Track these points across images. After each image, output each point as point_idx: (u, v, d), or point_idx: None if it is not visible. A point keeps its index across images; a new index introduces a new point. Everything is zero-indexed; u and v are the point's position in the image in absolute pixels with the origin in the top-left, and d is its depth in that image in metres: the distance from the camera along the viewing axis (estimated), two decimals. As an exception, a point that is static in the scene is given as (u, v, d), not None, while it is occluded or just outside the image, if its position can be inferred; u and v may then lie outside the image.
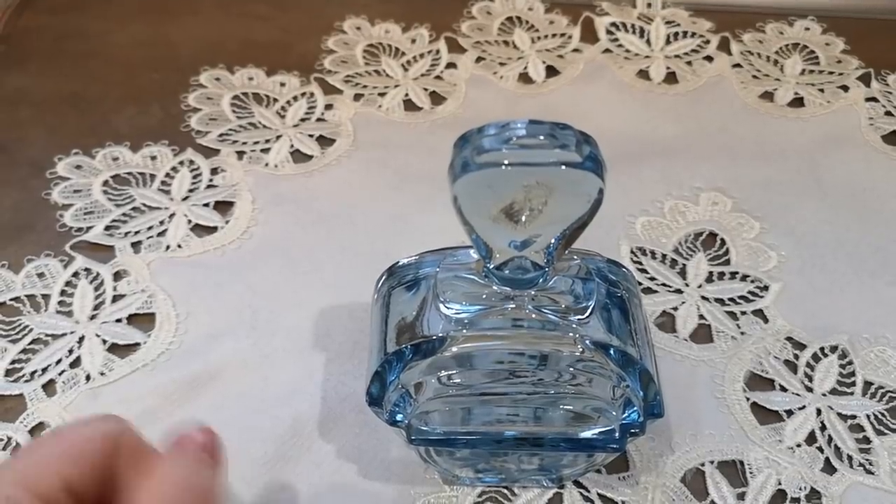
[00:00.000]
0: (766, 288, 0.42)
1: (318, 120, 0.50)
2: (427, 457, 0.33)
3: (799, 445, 0.36)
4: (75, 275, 0.41)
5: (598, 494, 0.34)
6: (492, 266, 0.27)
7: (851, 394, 0.38)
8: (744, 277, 0.42)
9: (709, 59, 0.55)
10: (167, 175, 0.46)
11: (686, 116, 0.51)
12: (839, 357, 0.39)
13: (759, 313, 0.41)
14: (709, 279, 0.42)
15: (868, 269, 0.43)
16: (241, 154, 0.47)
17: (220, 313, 0.40)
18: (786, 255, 0.43)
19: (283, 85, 0.52)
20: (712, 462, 0.35)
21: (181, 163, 0.47)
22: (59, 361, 0.38)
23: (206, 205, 0.45)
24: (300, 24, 0.56)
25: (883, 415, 0.37)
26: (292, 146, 0.48)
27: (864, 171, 0.48)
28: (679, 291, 0.42)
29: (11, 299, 0.40)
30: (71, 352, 0.38)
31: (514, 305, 0.28)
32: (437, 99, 0.51)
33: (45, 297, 0.40)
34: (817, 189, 0.47)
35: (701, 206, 0.46)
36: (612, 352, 0.28)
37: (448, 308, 0.28)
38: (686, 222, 0.45)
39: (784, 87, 0.53)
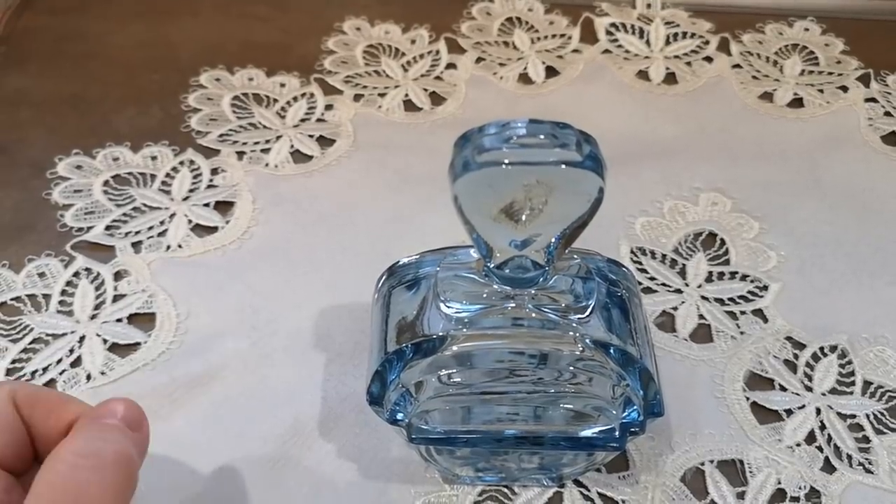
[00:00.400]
0: (765, 288, 0.42)
1: (319, 120, 0.50)
2: (427, 456, 0.33)
3: (798, 445, 0.36)
4: (76, 274, 0.41)
5: (598, 493, 0.34)
6: (492, 265, 0.27)
7: (851, 393, 0.38)
8: (743, 277, 0.42)
9: (708, 59, 0.55)
10: (167, 175, 0.46)
11: (686, 117, 0.51)
12: (839, 357, 0.39)
13: (758, 313, 0.41)
14: (708, 279, 0.42)
15: (867, 269, 0.43)
16: (241, 154, 0.47)
17: (220, 313, 0.40)
18: (785, 255, 0.43)
19: (283, 85, 0.52)
20: (712, 461, 0.35)
21: (181, 163, 0.47)
22: (59, 361, 0.38)
23: (207, 205, 0.45)
24: (300, 25, 0.56)
25: (882, 414, 0.37)
26: (292, 146, 0.48)
27: (863, 171, 0.48)
28: (679, 291, 0.42)
29: (12, 299, 0.40)
30: (72, 351, 0.38)
31: (514, 304, 0.28)
32: (437, 99, 0.51)
33: (46, 296, 0.40)
34: (817, 189, 0.47)
35: (700, 206, 0.46)
36: (612, 351, 0.28)
37: (448, 307, 0.28)
38: (686, 222, 0.45)
39: (783, 88, 0.53)
